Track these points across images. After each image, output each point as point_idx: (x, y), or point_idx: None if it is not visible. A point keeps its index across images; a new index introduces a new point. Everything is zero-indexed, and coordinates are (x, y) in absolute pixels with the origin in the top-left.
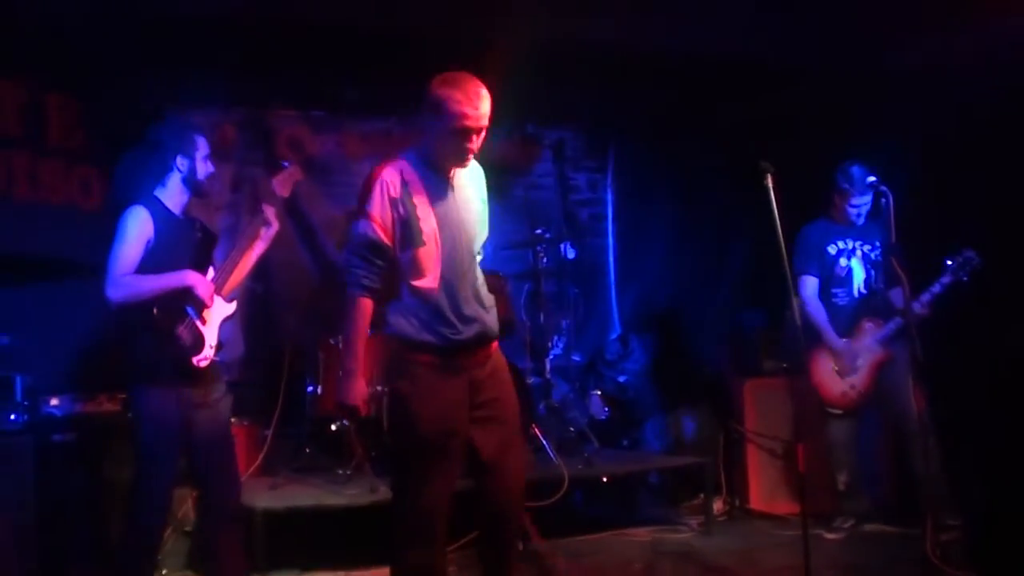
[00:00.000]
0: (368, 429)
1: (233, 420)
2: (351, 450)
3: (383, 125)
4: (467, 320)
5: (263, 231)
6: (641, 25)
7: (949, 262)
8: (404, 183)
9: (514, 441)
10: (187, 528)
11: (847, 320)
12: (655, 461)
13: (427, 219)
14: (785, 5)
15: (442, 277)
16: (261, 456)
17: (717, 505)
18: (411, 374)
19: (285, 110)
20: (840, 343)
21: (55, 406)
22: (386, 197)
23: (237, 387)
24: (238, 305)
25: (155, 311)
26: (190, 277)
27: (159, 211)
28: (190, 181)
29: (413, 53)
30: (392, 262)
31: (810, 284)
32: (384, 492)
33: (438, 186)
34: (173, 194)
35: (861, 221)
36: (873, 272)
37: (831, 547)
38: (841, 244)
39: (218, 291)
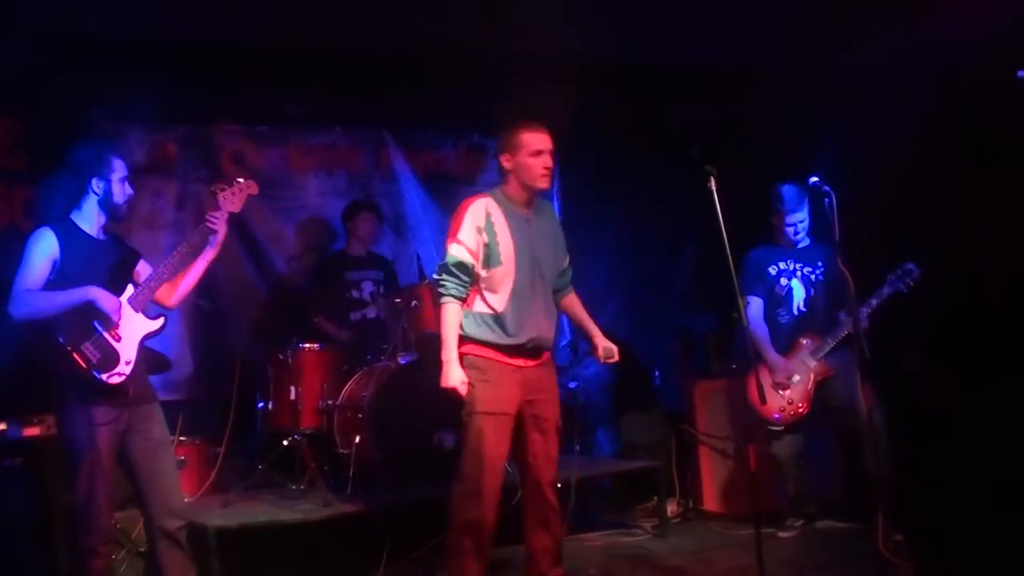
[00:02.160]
0: (320, 444)
1: (184, 438)
2: (303, 465)
3: (328, 138)
4: (525, 329)
5: (210, 238)
6: (587, 34)
7: (889, 275)
8: (487, 214)
9: (551, 428)
10: (141, 549)
11: (787, 338)
12: (608, 465)
13: (506, 245)
14: (731, 11)
15: (514, 289)
16: (213, 474)
17: (671, 507)
18: (478, 365)
19: (229, 125)
20: (774, 357)
21: (0, 430)
22: (473, 225)
23: (187, 405)
24: (184, 322)
25: (60, 338)
26: (92, 292)
27: (69, 232)
28: (106, 204)
29: (356, 66)
30: (474, 277)
31: (755, 304)
32: (337, 507)
33: (517, 219)
34: (90, 216)
35: (800, 239)
36: (813, 291)
37: (784, 545)
38: (782, 265)
39: (138, 308)
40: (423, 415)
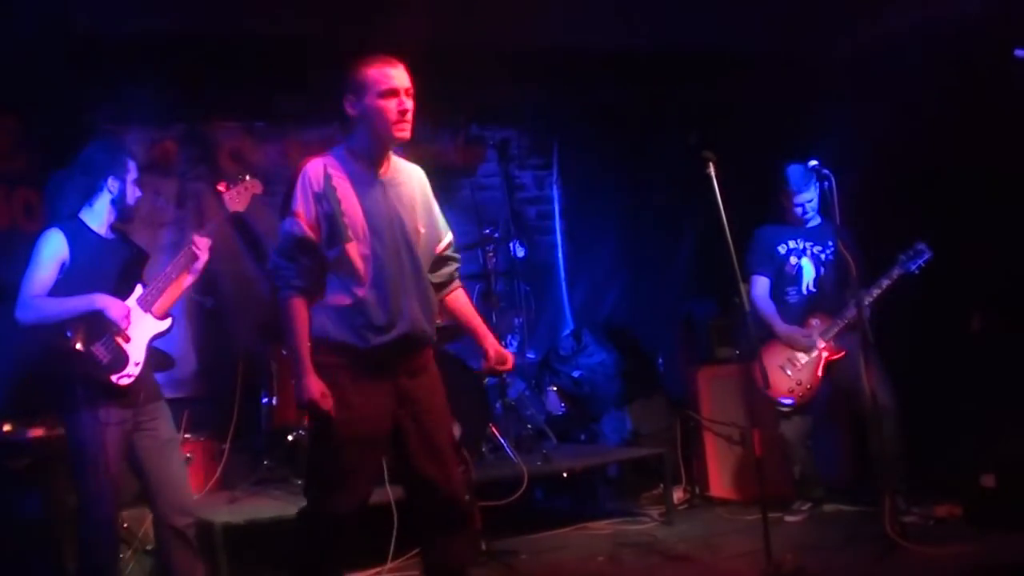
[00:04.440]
0: None
1: (189, 436)
2: None
3: (325, 133)
4: (397, 321)
5: (192, 265)
6: (584, 20)
7: (901, 255)
8: (327, 176)
9: (446, 450)
10: (148, 547)
11: (797, 317)
12: (613, 454)
13: (354, 214)
14: None
15: (373, 274)
16: (219, 470)
17: (677, 494)
18: (331, 377)
19: (226, 122)
20: (787, 328)
21: (7, 432)
22: (309, 192)
23: (191, 403)
24: (187, 320)
25: (68, 333)
26: (99, 300)
27: (79, 232)
28: (119, 203)
29: (353, 61)
30: (321, 259)
31: (761, 283)
32: None
33: (367, 180)
34: (100, 214)
35: (810, 217)
36: (823, 270)
37: (791, 529)
38: (792, 244)
39: (147, 308)
40: None
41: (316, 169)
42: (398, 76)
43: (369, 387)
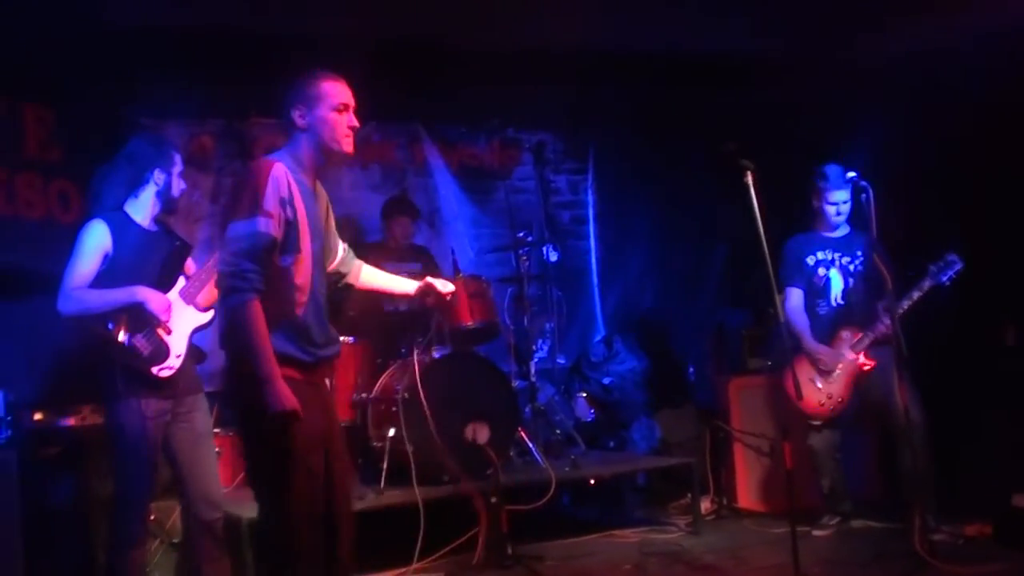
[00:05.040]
0: (354, 437)
1: (218, 430)
2: None
3: (362, 132)
4: (331, 337)
5: None
6: (618, 26)
7: (931, 266)
8: (289, 182)
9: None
10: (175, 540)
11: (826, 330)
12: (642, 462)
13: (304, 225)
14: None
15: (312, 289)
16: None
17: (705, 504)
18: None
19: (264, 119)
20: (817, 346)
21: (38, 420)
22: (278, 194)
23: (221, 396)
24: (219, 314)
25: (109, 324)
26: (140, 293)
27: (123, 224)
28: (164, 195)
29: (390, 60)
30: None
31: (795, 295)
32: (370, 500)
33: (309, 193)
34: (145, 206)
35: (840, 221)
36: (852, 282)
37: (819, 543)
38: (820, 255)
39: (190, 300)
40: (457, 408)
41: (281, 172)
42: (348, 93)
43: (312, 397)
